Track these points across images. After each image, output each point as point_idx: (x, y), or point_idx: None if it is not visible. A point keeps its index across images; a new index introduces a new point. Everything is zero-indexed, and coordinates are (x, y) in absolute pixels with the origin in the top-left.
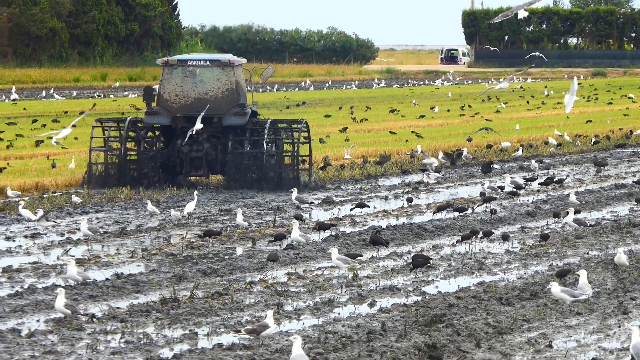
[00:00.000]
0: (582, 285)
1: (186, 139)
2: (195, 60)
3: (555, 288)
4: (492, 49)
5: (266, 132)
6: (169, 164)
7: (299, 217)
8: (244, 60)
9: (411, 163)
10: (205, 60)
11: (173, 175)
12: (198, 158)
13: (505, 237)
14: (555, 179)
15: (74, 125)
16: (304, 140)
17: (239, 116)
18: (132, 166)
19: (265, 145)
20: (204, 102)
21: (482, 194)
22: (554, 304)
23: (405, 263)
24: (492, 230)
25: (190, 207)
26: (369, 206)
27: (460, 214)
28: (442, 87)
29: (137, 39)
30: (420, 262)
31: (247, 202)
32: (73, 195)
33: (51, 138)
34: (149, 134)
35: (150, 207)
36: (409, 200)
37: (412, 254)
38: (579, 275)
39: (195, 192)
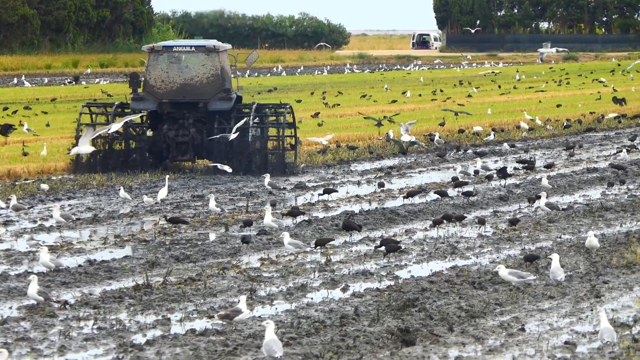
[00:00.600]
0: (554, 270)
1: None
2: (180, 46)
3: (503, 271)
4: (473, 31)
5: (251, 116)
6: (156, 148)
7: (274, 203)
8: (228, 46)
9: (383, 148)
10: (191, 46)
11: (160, 160)
12: (184, 143)
13: (481, 222)
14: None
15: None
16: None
17: (225, 101)
18: (119, 152)
19: (250, 130)
20: (190, 88)
21: (454, 178)
22: (526, 288)
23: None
24: (465, 215)
25: (162, 193)
26: (337, 191)
27: (441, 197)
28: (414, 72)
29: (109, 25)
30: (393, 247)
31: (220, 188)
32: (41, 184)
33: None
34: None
35: (122, 193)
36: (381, 185)
37: (382, 239)
38: (551, 259)
39: (167, 177)
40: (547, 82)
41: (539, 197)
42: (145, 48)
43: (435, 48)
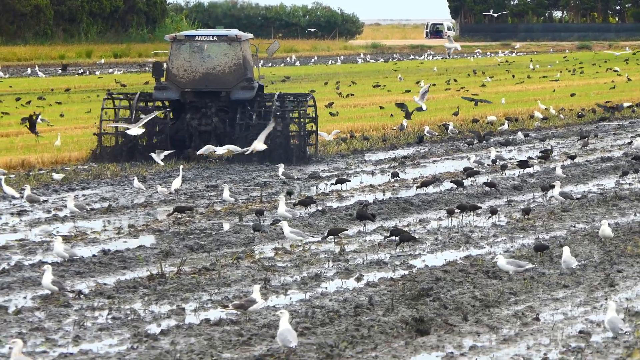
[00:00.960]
0: (566, 259)
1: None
2: (202, 35)
3: (501, 260)
4: (495, 15)
5: (273, 105)
6: (178, 137)
7: (290, 192)
8: (250, 36)
9: (398, 138)
10: (213, 36)
11: (182, 148)
12: (207, 132)
13: (493, 212)
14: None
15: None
16: (311, 115)
17: (247, 90)
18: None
19: (272, 118)
20: (212, 77)
21: (466, 169)
22: (540, 277)
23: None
24: (479, 205)
25: (176, 183)
26: (349, 181)
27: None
28: (428, 62)
29: (122, 15)
30: (407, 236)
31: (234, 178)
32: (54, 173)
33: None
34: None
35: (136, 183)
36: (394, 175)
37: (391, 229)
38: (562, 251)
39: (181, 166)
40: (561, 72)
41: (553, 187)
42: (167, 37)
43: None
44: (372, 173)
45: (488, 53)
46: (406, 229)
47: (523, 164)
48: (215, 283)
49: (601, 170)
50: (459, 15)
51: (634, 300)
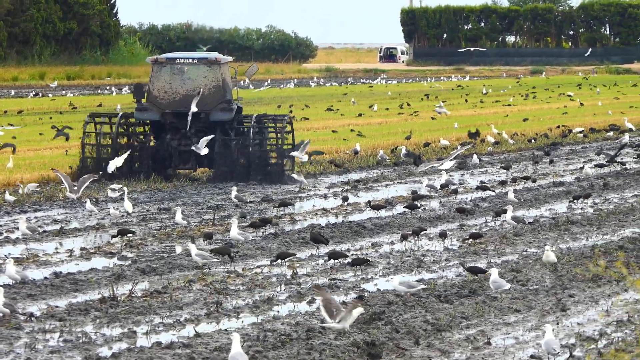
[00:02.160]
0: (494, 280)
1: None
2: (183, 58)
3: (395, 281)
4: (472, 49)
5: (251, 127)
6: (159, 157)
7: (244, 216)
8: (230, 59)
9: (350, 161)
10: (193, 59)
11: (163, 168)
12: (186, 152)
13: (442, 235)
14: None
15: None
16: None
17: (226, 112)
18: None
19: (250, 139)
20: (192, 99)
21: (413, 192)
22: (492, 302)
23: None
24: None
25: (127, 206)
26: (292, 204)
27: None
28: (380, 86)
29: (76, 37)
30: (360, 260)
31: (186, 201)
32: (6, 194)
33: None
34: (139, 129)
35: (89, 206)
36: (344, 199)
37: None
38: (490, 274)
39: (124, 188)
40: (514, 96)
41: (505, 211)
42: (149, 60)
43: (403, 62)
44: (325, 196)
45: (441, 77)
46: (358, 252)
47: (484, 188)
48: (167, 306)
49: (553, 195)
50: (413, 40)
51: (585, 325)
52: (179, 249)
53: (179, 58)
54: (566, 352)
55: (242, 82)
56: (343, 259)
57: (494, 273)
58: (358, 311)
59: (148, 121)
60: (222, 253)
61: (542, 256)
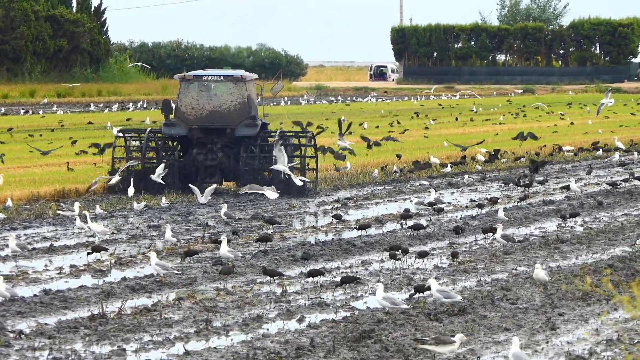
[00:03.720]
0: (434, 292)
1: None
2: (210, 75)
3: (378, 295)
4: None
5: (276, 142)
6: (185, 171)
7: (236, 232)
8: (255, 76)
9: (340, 179)
10: (220, 76)
11: (189, 182)
12: (212, 166)
13: (422, 255)
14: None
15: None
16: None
17: (250, 127)
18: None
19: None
20: (218, 115)
21: (406, 210)
22: (481, 320)
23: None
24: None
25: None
26: (279, 223)
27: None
28: (370, 104)
29: (66, 55)
30: (349, 278)
31: (176, 218)
32: None
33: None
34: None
35: (78, 223)
36: (337, 217)
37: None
38: (430, 285)
39: (98, 206)
40: (504, 115)
41: (495, 229)
42: (177, 77)
43: (393, 80)
44: (315, 214)
45: (431, 96)
46: (348, 270)
47: (480, 206)
48: (157, 324)
49: (543, 213)
50: (403, 58)
51: (575, 344)
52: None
53: (206, 75)
54: None
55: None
56: (321, 276)
57: (433, 284)
58: (460, 337)
59: (175, 137)
60: (272, 274)
61: (532, 274)
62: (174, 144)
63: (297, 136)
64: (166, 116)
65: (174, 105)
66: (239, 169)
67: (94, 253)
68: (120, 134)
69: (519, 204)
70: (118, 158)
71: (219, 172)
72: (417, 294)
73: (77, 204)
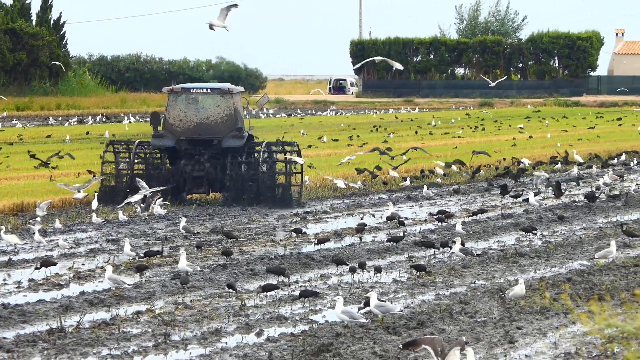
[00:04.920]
0: (372, 308)
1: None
2: (197, 88)
3: (338, 308)
4: (491, 84)
5: (261, 153)
6: (173, 182)
7: (200, 246)
8: (241, 89)
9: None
10: (207, 89)
11: (177, 192)
12: (199, 177)
13: (377, 269)
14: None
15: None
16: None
17: (237, 139)
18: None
19: (260, 165)
20: (205, 126)
21: (361, 224)
22: (440, 334)
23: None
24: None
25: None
26: (236, 237)
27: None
28: (330, 117)
29: (25, 68)
30: (308, 292)
31: (135, 232)
32: None
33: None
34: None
35: (37, 237)
36: (297, 231)
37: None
38: (369, 297)
39: (57, 219)
40: (462, 128)
41: (454, 243)
42: (165, 89)
43: (352, 93)
44: (274, 228)
45: (390, 110)
46: (307, 284)
47: (441, 219)
48: (115, 337)
49: (502, 227)
50: (362, 72)
51: (533, 357)
52: (127, 281)
53: (193, 88)
54: None
55: None
56: (276, 290)
57: (372, 297)
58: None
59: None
60: (277, 273)
61: (510, 292)
62: (160, 155)
63: (283, 148)
64: (154, 128)
65: (162, 118)
66: (226, 180)
67: (42, 268)
68: (110, 147)
69: (478, 217)
70: (107, 174)
71: (206, 182)
72: (366, 307)
73: (39, 218)
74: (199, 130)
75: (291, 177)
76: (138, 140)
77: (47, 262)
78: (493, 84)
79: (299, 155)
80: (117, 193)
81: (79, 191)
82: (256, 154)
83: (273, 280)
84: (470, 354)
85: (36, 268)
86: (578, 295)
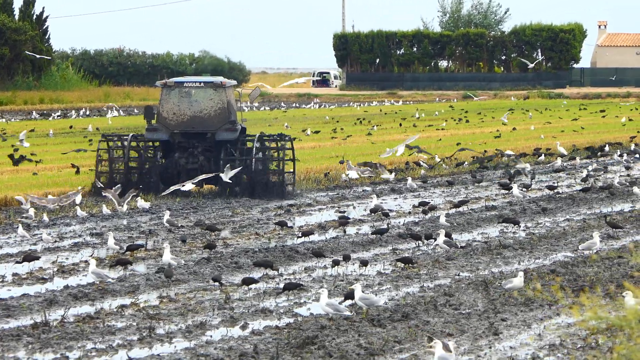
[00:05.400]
0: (362, 298)
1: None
2: (190, 82)
3: (322, 300)
4: (530, 65)
5: (254, 146)
6: (167, 174)
7: (184, 240)
8: (234, 82)
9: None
10: (200, 82)
11: (171, 185)
12: (194, 169)
13: (364, 263)
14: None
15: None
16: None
17: (230, 132)
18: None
19: (253, 157)
20: (199, 120)
21: (340, 217)
22: (425, 325)
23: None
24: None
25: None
26: (219, 229)
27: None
28: (313, 110)
29: (8, 63)
30: (292, 285)
31: (119, 226)
32: None
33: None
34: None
35: (20, 231)
36: (282, 224)
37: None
38: (354, 289)
39: (45, 214)
40: (446, 120)
41: (438, 235)
42: (158, 83)
43: (336, 86)
44: (258, 220)
45: (374, 102)
46: (291, 277)
47: (426, 212)
48: (100, 331)
49: (485, 219)
50: (346, 64)
51: (517, 349)
52: (111, 275)
53: (186, 82)
54: None
55: None
56: (255, 284)
57: (357, 289)
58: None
59: (157, 141)
60: (265, 266)
61: (508, 283)
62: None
63: (276, 140)
64: (148, 121)
65: (156, 111)
66: (219, 172)
67: (24, 262)
68: (104, 139)
69: (460, 209)
70: (104, 173)
71: (200, 175)
72: (347, 300)
73: (32, 210)
74: (193, 124)
75: (284, 168)
76: (132, 134)
77: (29, 257)
78: (531, 65)
79: (292, 147)
80: (110, 187)
81: (121, 205)
82: (249, 146)
83: (260, 273)
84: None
85: (17, 262)
86: (562, 287)
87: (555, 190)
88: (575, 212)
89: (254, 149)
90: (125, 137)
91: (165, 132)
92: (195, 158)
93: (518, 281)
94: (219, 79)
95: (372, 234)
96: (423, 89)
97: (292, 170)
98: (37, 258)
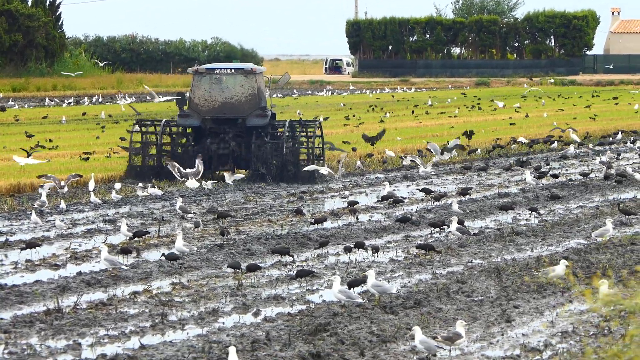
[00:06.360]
0: (374, 285)
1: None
2: (221, 69)
3: (335, 287)
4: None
5: (285, 131)
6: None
7: (197, 225)
8: (264, 69)
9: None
10: (231, 69)
11: (204, 169)
12: (225, 155)
13: (375, 249)
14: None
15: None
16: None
17: (261, 118)
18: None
19: (284, 142)
20: (230, 106)
21: (350, 203)
22: (437, 313)
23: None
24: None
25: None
26: (231, 215)
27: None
28: (326, 97)
29: (21, 49)
30: (305, 272)
31: (132, 213)
32: None
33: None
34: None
35: (34, 217)
36: (298, 211)
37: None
38: (366, 276)
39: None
40: (459, 108)
41: (451, 222)
42: (190, 70)
43: (348, 73)
44: (271, 207)
45: (386, 89)
46: (304, 264)
47: (438, 198)
48: (112, 318)
49: (498, 206)
50: (358, 51)
51: (530, 336)
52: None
53: (217, 69)
54: None
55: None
56: (259, 271)
57: (370, 275)
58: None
59: (189, 128)
60: (281, 253)
61: (551, 272)
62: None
63: (306, 125)
64: (180, 108)
65: (188, 98)
66: (250, 157)
67: (27, 249)
68: (137, 123)
69: (474, 197)
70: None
71: (231, 160)
72: (351, 288)
73: (44, 193)
74: (224, 110)
75: (314, 153)
76: (165, 119)
77: (32, 244)
78: (610, 67)
79: (322, 133)
80: (144, 172)
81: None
82: (280, 131)
83: (276, 259)
84: (417, 331)
85: (22, 249)
86: (575, 274)
87: (569, 178)
88: (588, 199)
89: (285, 134)
90: (158, 122)
91: (196, 118)
92: (226, 144)
93: (560, 269)
94: (249, 65)
95: (396, 221)
96: (435, 76)
97: (321, 156)
98: (39, 245)
